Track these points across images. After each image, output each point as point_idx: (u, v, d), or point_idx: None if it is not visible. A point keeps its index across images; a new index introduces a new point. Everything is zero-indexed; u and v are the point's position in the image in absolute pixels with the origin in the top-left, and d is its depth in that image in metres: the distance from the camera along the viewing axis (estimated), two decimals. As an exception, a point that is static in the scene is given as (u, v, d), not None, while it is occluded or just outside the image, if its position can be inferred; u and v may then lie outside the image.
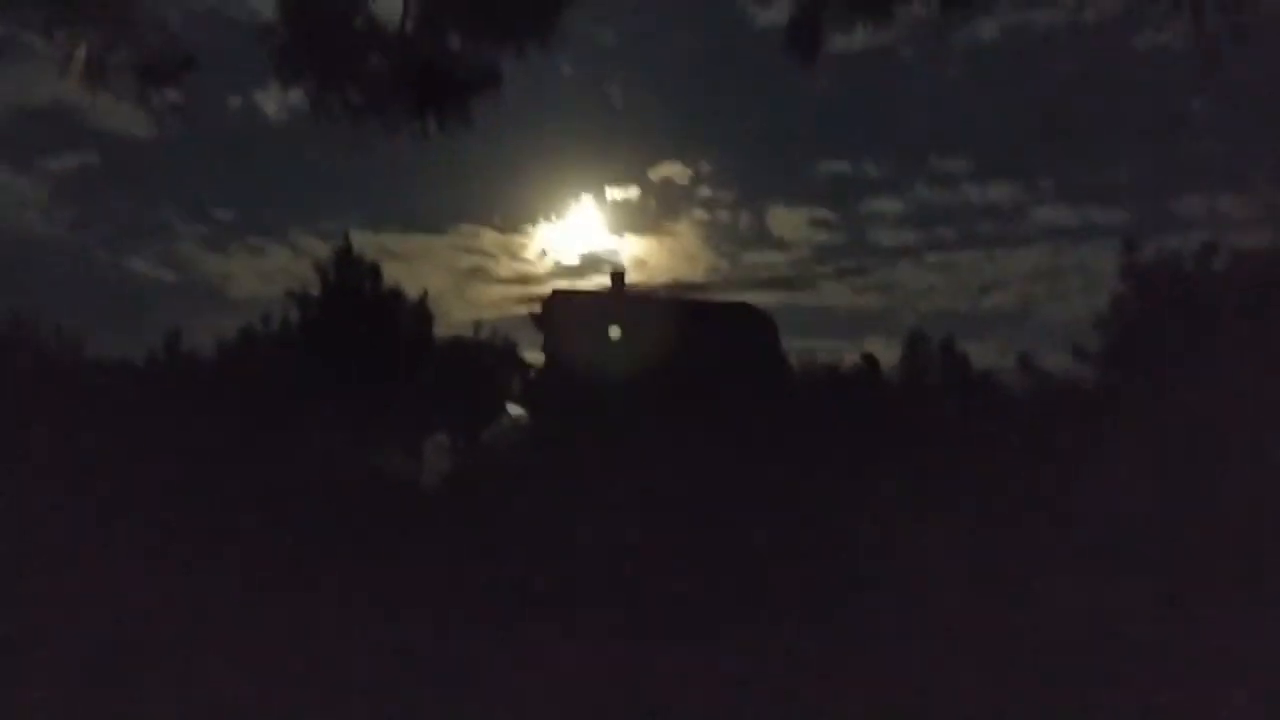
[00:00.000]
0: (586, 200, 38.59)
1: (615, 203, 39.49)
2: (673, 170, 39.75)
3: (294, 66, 4.39)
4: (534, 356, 27.94)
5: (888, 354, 27.72)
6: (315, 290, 20.88)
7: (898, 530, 15.81)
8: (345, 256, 21.17)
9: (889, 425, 21.54)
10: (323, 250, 22.11)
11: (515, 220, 47.18)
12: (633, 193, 40.03)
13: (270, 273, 38.76)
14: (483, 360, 25.99)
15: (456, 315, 40.04)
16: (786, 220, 42.58)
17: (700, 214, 40.81)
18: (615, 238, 42.15)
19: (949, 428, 22.37)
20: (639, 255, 39.94)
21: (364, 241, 33.90)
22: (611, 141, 41.76)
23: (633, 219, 43.83)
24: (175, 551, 16.20)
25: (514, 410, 24.11)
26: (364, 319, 20.54)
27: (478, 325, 25.78)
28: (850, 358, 26.31)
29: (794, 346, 27.88)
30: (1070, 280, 38.34)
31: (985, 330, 45.67)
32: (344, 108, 4.58)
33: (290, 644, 10.98)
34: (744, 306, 30.48)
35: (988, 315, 38.38)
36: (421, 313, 23.41)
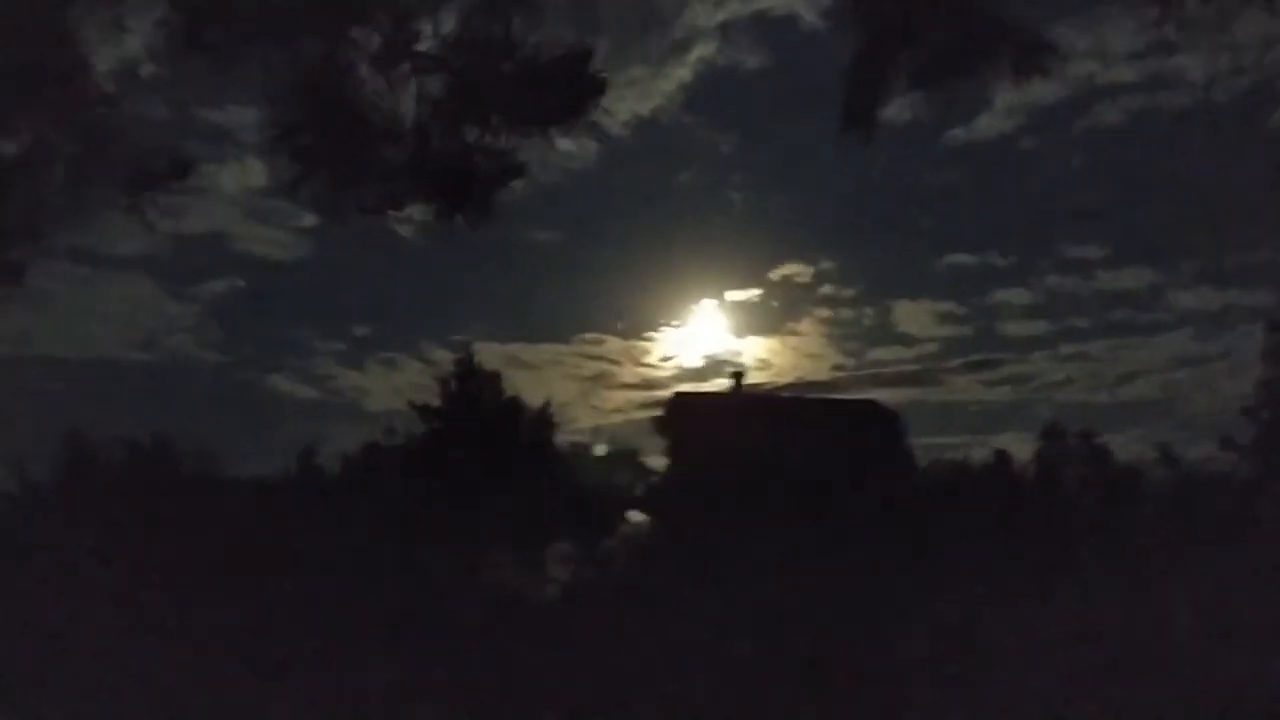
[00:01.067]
0: (708, 304, 38.74)
1: (737, 304, 39.47)
2: (793, 269, 39.55)
3: (313, 166, 4.42)
4: (658, 461, 27.81)
5: (1022, 449, 26.61)
6: (436, 401, 21.33)
7: (1035, 637, 14.91)
8: (466, 367, 21.62)
9: (1024, 523, 20.55)
10: (451, 361, 22.68)
11: (638, 326, 47.68)
12: (754, 294, 39.96)
13: (402, 386, 40.13)
14: (604, 467, 25.96)
15: (583, 421, 40.45)
16: (911, 314, 41.66)
17: (823, 312, 40.33)
18: (737, 339, 42.21)
19: (1088, 525, 21.21)
20: (762, 355, 39.69)
21: (491, 352, 34.79)
22: (731, 244, 41.91)
23: (755, 320, 43.77)
24: (301, 666, 16.35)
25: (635, 516, 23.88)
26: (484, 428, 20.81)
27: (594, 431, 25.83)
28: (980, 454, 25.35)
29: (923, 444, 27.07)
30: (1214, 367, 36.36)
31: (1126, 422, 43.60)
32: (363, 207, 4.59)
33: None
34: (869, 404, 29.89)
35: (1128, 406, 36.59)
36: (544, 420, 23.60)
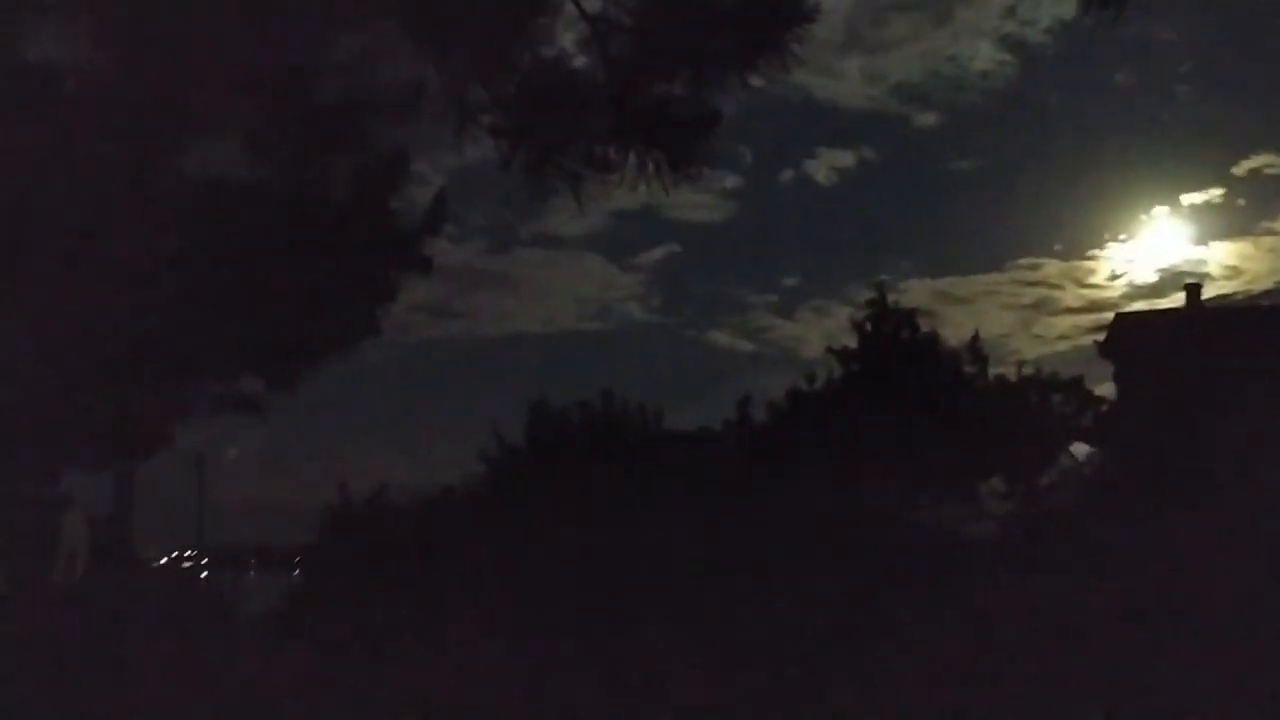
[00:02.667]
0: (1160, 211, 35.22)
1: (1194, 208, 35.47)
2: (1263, 160, 34.79)
3: (517, 132, 4.55)
4: (1105, 389, 25.93)
5: None
6: (853, 344, 21.33)
7: None
8: (879, 307, 21.40)
9: None
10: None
11: (1079, 246, 44.70)
12: (1215, 194, 35.74)
13: (834, 331, 40.33)
14: (1043, 398, 24.57)
15: (1024, 352, 38.62)
16: None
17: (1306, 203, 35.14)
18: (1198, 246, 37.84)
19: None
20: (1230, 262, 35.59)
21: (922, 288, 34.24)
22: (1183, 142, 37.81)
23: (1218, 223, 39.24)
24: (736, 606, 17.12)
25: (1079, 449, 22.43)
26: (901, 367, 20.52)
27: (1023, 364, 24.44)
28: None
29: None
30: None
31: None
32: (565, 169, 4.65)
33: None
34: (1364, 305, 25.77)
35: None
36: (975, 354, 22.82)
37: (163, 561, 34.70)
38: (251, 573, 33.92)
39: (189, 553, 37.58)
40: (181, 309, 7.08)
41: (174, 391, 8.91)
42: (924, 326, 21.86)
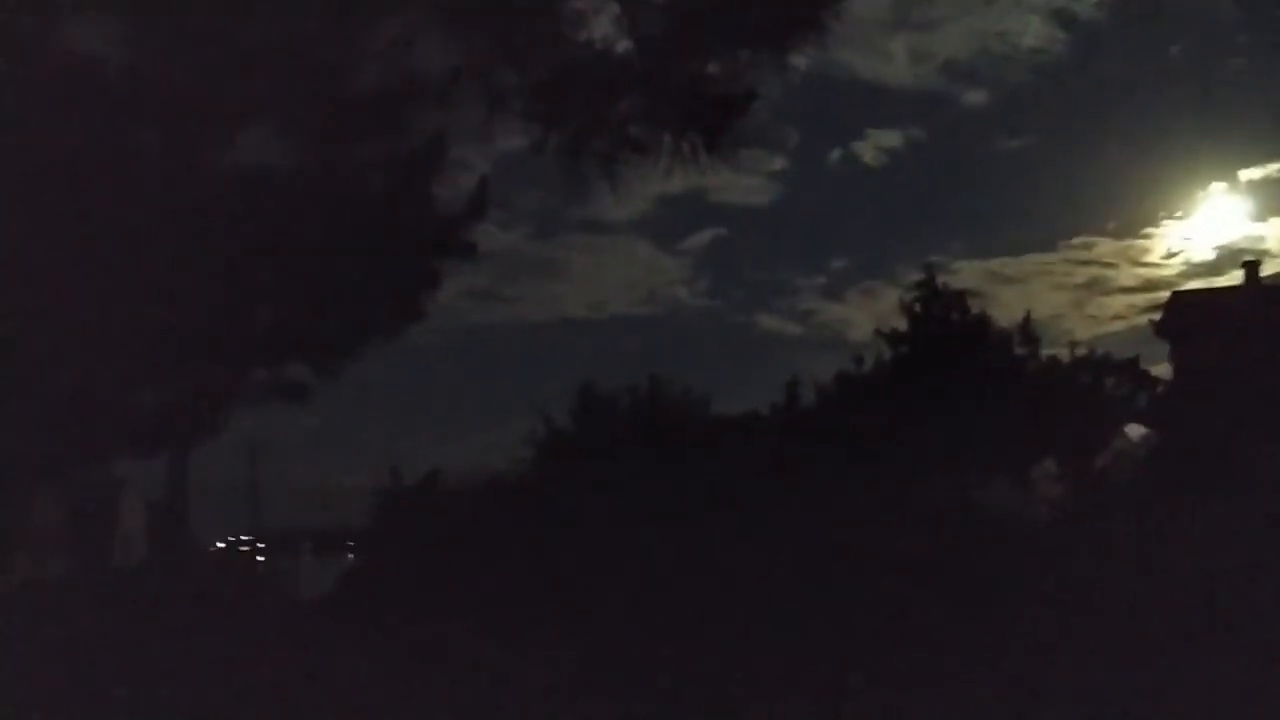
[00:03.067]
0: (1217, 188, 34.49)
1: (1253, 183, 34.69)
2: (1322, 133, 33.84)
3: (549, 117, 4.50)
4: (1161, 369, 25.48)
5: None
6: (902, 327, 21.13)
7: None
8: (929, 289, 21.16)
9: None
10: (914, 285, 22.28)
11: (1134, 224, 44.02)
12: (1274, 169, 34.88)
13: (883, 313, 40.12)
14: (1096, 379, 24.20)
15: (1078, 332, 38.03)
16: None
17: (1376, 175, 34.20)
18: (1258, 223, 36.98)
19: None
20: (1291, 239, 34.64)
21: (973, 269, 33.87)
22: (1240, 116, 36.98)
23: (1278, 199, 38.19)
24: (786, 591, 17.06)
25: (1134, 430, 22.06)
26: (953, 349, 20.29)
27: (1075, 345, 24.07)
28: None
29: None
30: None
31: None
32: (599, 152, 4.59)
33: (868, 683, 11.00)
34: None
35: None
36: (1026, 335, 22.53)
37: (220, 546, 35.35)
38: (307, 556, 34.46)
39: (245, 537, 38.25)
40: (228, 297, 7.18)
41: (222, 379, 9.03)
42: (974, 308, 21.62)
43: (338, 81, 5.39)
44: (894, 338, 21.36)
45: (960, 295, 21.34)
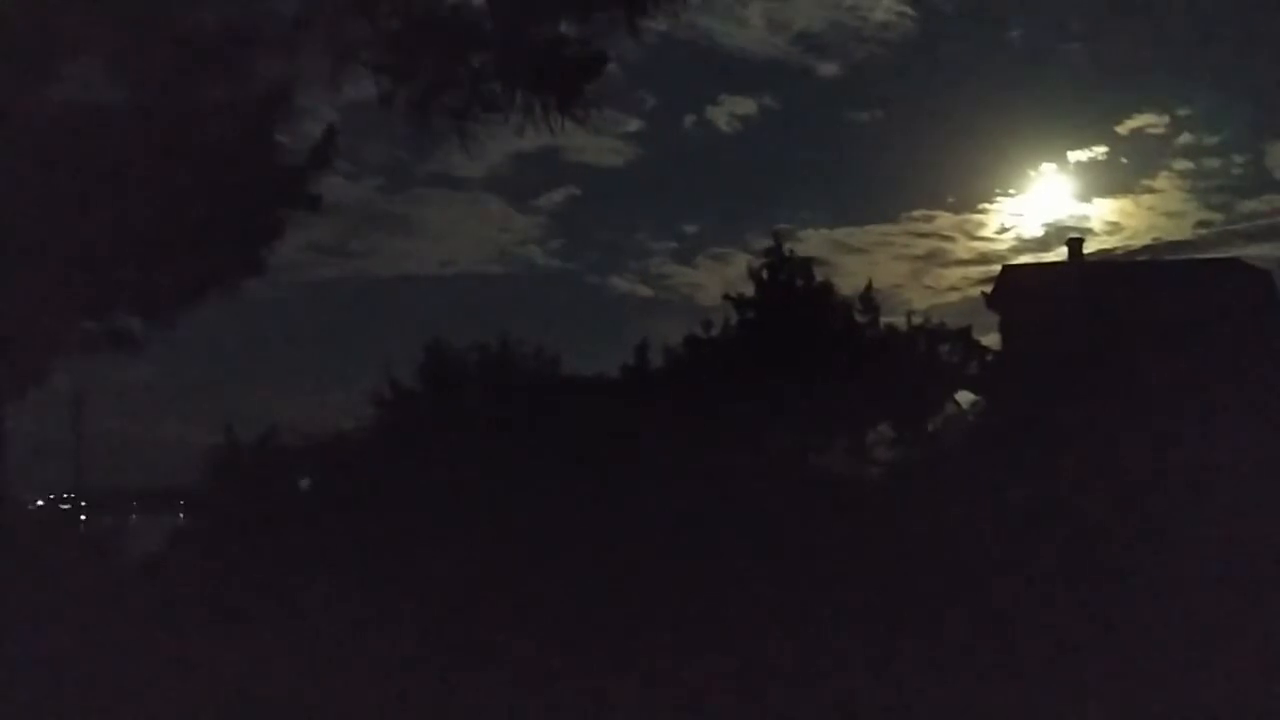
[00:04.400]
0: (1048, 168, 36.35)
1: (1081, 165, 36.71)
2: (1145, 120, 36.01)
3: (399, 69, 4.45)
4: (992, 339, 26.68)
5: None
6: (750, 292, 21.54)
7: None
8: (776, 255, 21.62)
9: None
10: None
11: (971, 199, 45.92)
12: (1100, 151, 36.93)
13: (733, 278, 40.75)
14: (930, 348, 25.16)
15: (916, 302, 39.63)
16: (1291, 156, 36.67)
17: (1182, 163, 36.62)
18: (1083, 203, 39.18)
19: None
20: (1112, 218, 36.88)
21: (819, 238, 34.79)
22: (1071, 100, 38.90)
23: (1103, 180, 40.61)
24: (630, 551, 17.20)
25: (964, 397, 23.09)
26: (796, 316, 20.81)
27: (912, 314, 24.98)
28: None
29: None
30: None
31: None
32: (450, 108, 4.57)
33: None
34: (1233, 262, 26.93)
35: None
36: (867, 303, 23.20)
37: (39, 504, 33.48)
38: (133, 516, 32.98)
39: (67, 495, 36.33)
40: (53, 240, 6.75)
41: (47, 326, 8.51)
42: (819, 276, 22.19)
43: (175, 19, 5.10)
44: (741, 303, 21.75)
45: (805, 263, 21.88)
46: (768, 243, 22.39)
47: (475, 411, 20.56)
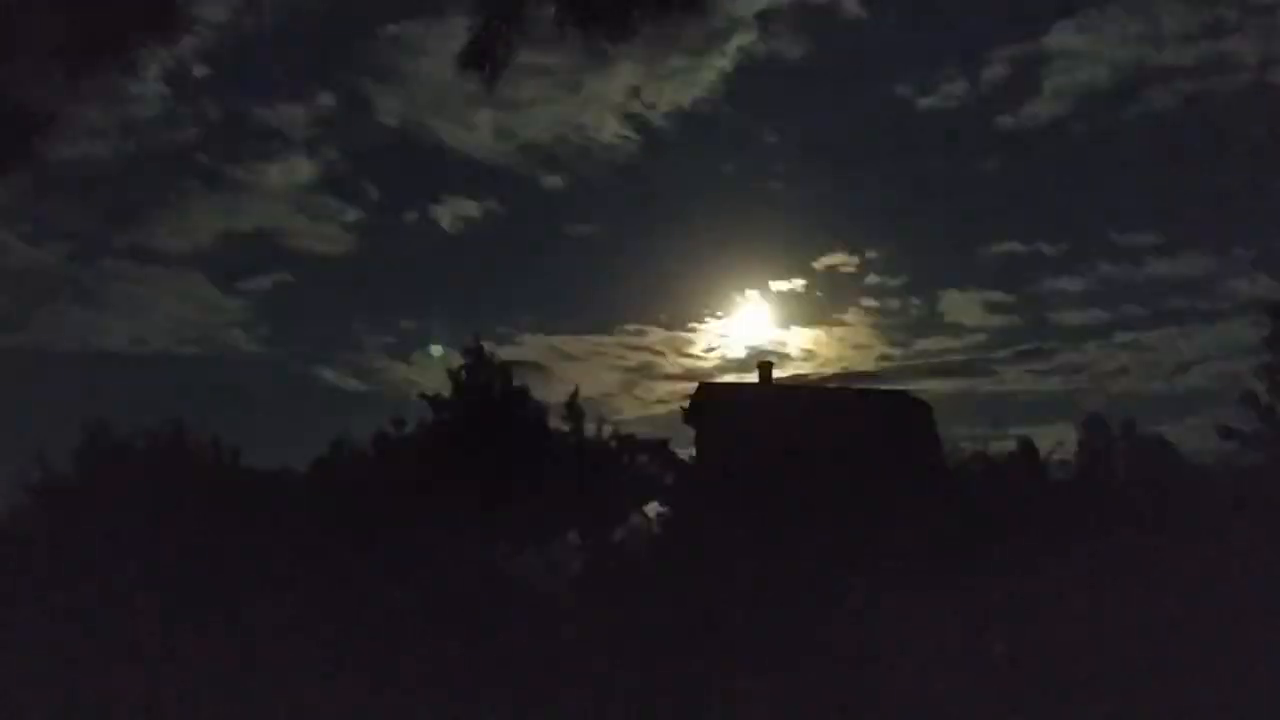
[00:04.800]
0: (752, 295, 38.52)
1: (781, 295, 39.12)
2: (838, 259, 39.02)
3: None
4: (687, 451, 27.39)
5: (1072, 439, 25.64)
6: (447, 393, 21.09)
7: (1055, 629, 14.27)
8: (475, 358, 21.32)
9: (1052, 516, 19.80)
10: (500, 354, 22.19)
11: (682, 318, 47.69)
12: (799, 284, 39.59)
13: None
14: (631, 457, 25.55)
15: (626, 412, 40.42)
16: (960, 304, 40.58)
17: (869, 301, 39.75)
18: (782, 330, 41.83)
19: (1126, 515, 20.35)
20: (807, 346, 39.28)
21: (537, 343, 34.91)
22: (775, 235, 41.51)
23: (800, 310, 43.38)
24: (307, 655, 16.18)
25: (653, 508, 23.48)
26: (490, 419, 20.52)
27: (611, 424, 25.32)
28: (1006, 446, 24.57)
29: (972, 434, 26.38)
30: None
31: (1184, 411, 42.29)
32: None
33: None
34: (900, 394, 29.22)
35: (1186, 395, 35.46)
36: (571, 410, 23.23)
37: None
38: None
39: None
40: None
41: None
42: (520, 380, 22.02)
43: None
44: (437, 403, 21.24)
45: (505, 366, 21.69)
46: (486, 344, 21.91)
47: (139, 501, 18.84)
